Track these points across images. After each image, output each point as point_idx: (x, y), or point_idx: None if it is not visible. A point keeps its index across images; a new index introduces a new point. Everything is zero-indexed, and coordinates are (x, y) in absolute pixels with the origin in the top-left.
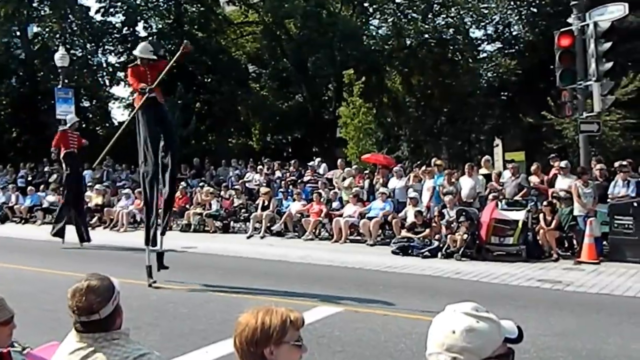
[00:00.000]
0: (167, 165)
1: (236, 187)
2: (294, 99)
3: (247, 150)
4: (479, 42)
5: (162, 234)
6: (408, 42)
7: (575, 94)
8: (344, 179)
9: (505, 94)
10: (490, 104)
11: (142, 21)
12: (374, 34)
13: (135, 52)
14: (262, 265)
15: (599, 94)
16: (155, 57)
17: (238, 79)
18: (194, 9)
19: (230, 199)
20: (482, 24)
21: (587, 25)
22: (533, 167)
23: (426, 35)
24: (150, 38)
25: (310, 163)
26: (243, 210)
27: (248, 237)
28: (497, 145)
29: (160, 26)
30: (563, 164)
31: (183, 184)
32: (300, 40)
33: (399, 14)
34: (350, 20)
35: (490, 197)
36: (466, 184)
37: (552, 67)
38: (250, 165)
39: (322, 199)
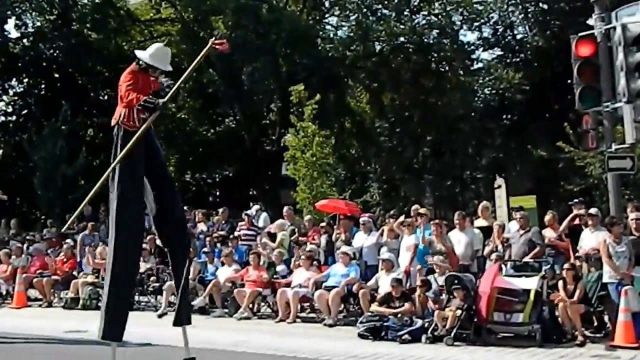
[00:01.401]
0: (169, 210)
1: (143, 245)
2: (223, 123)
3: None
4: (473, 48)
5: (184, 320)
6: (377, 48)
7: (601, 118)
8: (269, 234)
9: (508, 117)
10: (489, 131)
11: (14, 17)
12: (332, 36)
13: (145, 55)
14: (177, 357)
15: (632, 120)
16: (170, 70)
17: None
18: (85, 1)
19: None
20: (476, 24)
21: (613, 28)
22: (548, 217)
23: (402, 39)
24: (30, 38)
25: (246, 212)
26: (152, 279)
27: (160, 316)
28: (499, 187)
29: (39, 24)
30: (591, 211)
31: (69, 241)
32: (231, 44)
33: (364, 9)
34: (299, 17)
35: (491, 258)
36: (458, 240)
37: (569, 81)
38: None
39: (262, 262)
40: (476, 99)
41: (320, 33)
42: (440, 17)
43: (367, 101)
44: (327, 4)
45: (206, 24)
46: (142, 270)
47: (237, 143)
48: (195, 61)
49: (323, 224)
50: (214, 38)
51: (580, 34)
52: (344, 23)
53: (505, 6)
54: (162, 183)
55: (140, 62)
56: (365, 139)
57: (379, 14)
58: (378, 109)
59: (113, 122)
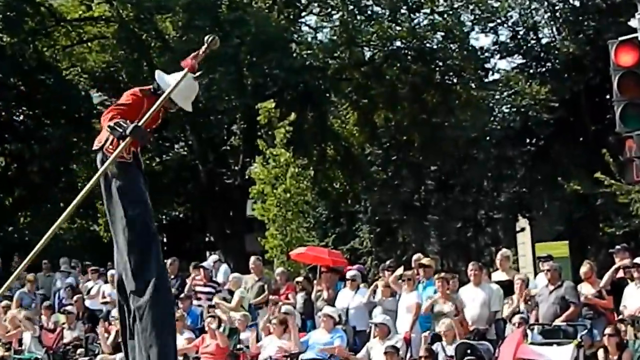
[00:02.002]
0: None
1: (69, 307)
2: (171, 150)
3: (90, 240)
4: (487, 55)
5: None
6: (367, 54)
7: None
8: (230, 292)
9: (533, 142)
10: (509, 160)
11: None
12: (310, 39)
13: (170, 85)
14: None
15: None
16: (190, 111)
17: (73, 115)
18: None
19: (57, 329)
20: (491, 25)
21: None
22: (584, 269)
23: (398, 43)
24: None
25: (202, 263)
26: (80, 351)
27: None
28: (523, 231)
29: None
30: (637, 261)
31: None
32: (182, 49)
33: (350, 6)
34: (269, 16)
35: (513, 321)
36: (472, 298)
37: (608, 97)
38: (93, 269)
39: (222, 328)
40: (492, 119)
41: (296, 36)
42: (446, 16)
43: (354, 122)
44: (303, 0)
45: (150, 24)
46: (67, 339)
47: (189, 175)
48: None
49: (299, 279)
50: (207, 43)
51: (621, 38)
52: (325, 23)
53: (528, 2)
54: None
55: (157, 88)
56: (352, 169)
57: (369, 12)
58: (369, 132)
59: (95, 145)
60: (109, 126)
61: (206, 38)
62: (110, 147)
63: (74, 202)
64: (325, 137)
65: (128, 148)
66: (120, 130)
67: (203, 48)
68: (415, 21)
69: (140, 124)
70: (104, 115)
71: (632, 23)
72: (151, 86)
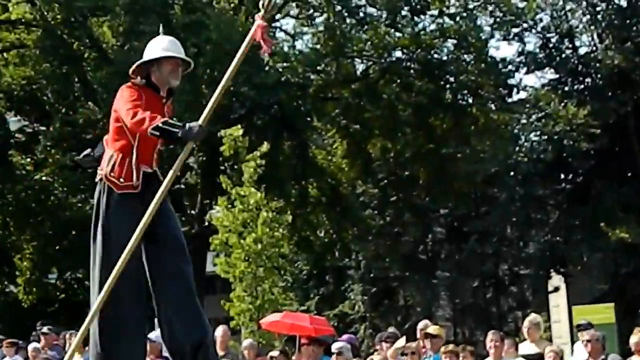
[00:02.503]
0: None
1: None
2: None
3: (5, 306)
4: (510, 68)
5: None
6: (359, 67)
7: None
8: None
9: (569, 177)
10: (539, 200)
11: None
12: (287, 49)
13: (156, 50)
14: None
15: None
16: (189, 61)
17: None
18: None
19: None
20: (516, 30)
21: None
22: (635, 339)
23: (398, 53)
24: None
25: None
26: None
27: None
28: (557, 290)
29: None
30: None
31: None
32: (125, 62)
33: (338, 7)
34: (234, 20)
35: None
36: None
37: None
38: (9, 342)
39: None
40: (517, 149)
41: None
42: (458, 19)
43: (343, 153)
44: None
45: (83, 29)
46: None
47: None
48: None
49: (274, 354)
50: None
51: None
52: (306, 29)
53: (561, 1)
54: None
55: (140, 78)
56: (341, 213)
57: (361, 15)
58: (361, 166)
59: (98, 175)
60: (156, 128)
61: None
62: (115, 172)
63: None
64: (306, 173)
65: (138, 171)
66: (177, 130)
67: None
68: (420, 25)
69: (204, 121)
70: (131, 118)
71: None
72: (133, 84)
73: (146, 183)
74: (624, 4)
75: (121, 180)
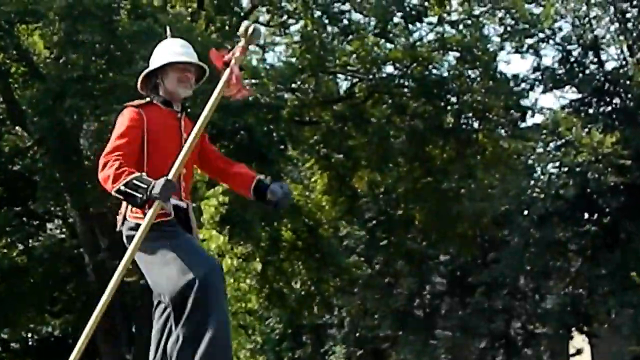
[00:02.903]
0: None
1: None
2: (42, 231)
3: None
4: (524, 86)
5: None
6: (343, 85)
7: None
8: None
9: (595, 217)
10: (558, 245)
11: None
12: (256, 63)
13: (160, 56)
14: None
15: None
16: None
17: None
18: None
19: None
20: (530, 41)
21: None
22: None
23: (389, 68)
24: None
25: None
26: None
27: None
28: (579, 353)
29: None
30: None
31: None
32: (60, 78)
33: (317, 11)
34: (192, 28)
35: None
36: None
37: None
38: None
39: None
40: (532, 183)
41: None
42: (462, 27)
43: (323, 188)
44: (244, 0)
45: (10, 38)
46: None
47: (69, 271)
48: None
49: None
50: (246, 33)
51: None
52: (278, 38)
53: (585, 7)
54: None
55: (149, 93)
56: (321, 260)
57: (345, 22)
58: (345, 203)
59: (119, 222)
60: (117, 191)
61: (242, 26)
62: (134, 211)
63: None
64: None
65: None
66: (140, 194)
67: (240, 44)
68: (416, 35)
69: (171, 176)
70: (100, 170)
71: None
72: (145, 98)
73: (173, 225)
74: None
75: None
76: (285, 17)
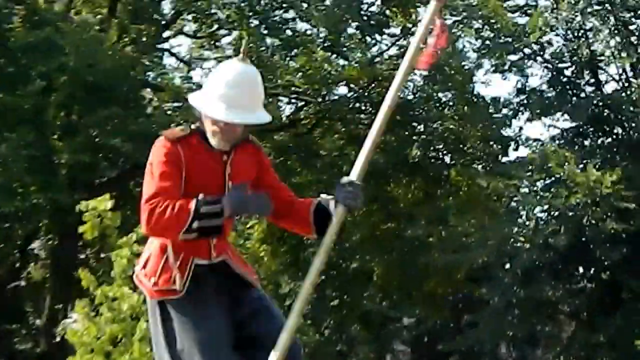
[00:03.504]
0: None
1: None
2: None
3: None
4: (507, 112)
5: None
6: (286, 110)
7: None
8: None
9: (591, 273)
10: (547, 305)
11: None
12: (180, 80)
13: (207, 92)
14: None
15: None
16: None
17: None
18: None
19: None
20: (513, 58)
21: None
22: None
23: (342, 89)
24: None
25: None
26: None
27: None
28: None
29: None
30: None
31: None
32: None
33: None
34: (102, 40)
35: None
36: None
37: None
38: None
39: None
40: (516, 230)
41: (152, 74)
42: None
43: (261, 236)
44: (166, 6)
45: None
46: None
47: None
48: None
49: None
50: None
51: None
52: (208, 53)
53: (579, 16)
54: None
55: (195, 122)
56: None
57: (288, 33)
58: (288, 255)
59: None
60: (187, 232)
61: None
62: (143, 271)
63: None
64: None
65: (183, 269)
66: (217, 205)
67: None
68: (375, 49)
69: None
70: (147, 221)
71: None
72: (187, 126)
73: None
74: None
75: (152, 280)
76: (215, 26)
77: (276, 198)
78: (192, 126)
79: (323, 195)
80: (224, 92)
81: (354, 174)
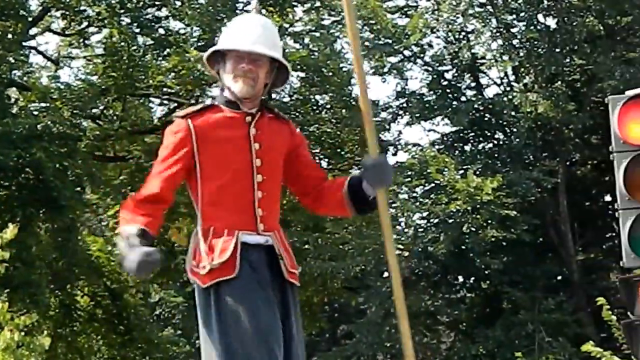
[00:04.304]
0: None
1: None
2: None
3: None
4: (385, 116)
5: None
6: (158, 112)
7: None
8: None
9: (471, 282)
10: (426, 315)
11: None
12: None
13: (225, 38)
14: None
15: None
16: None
17: None
18: None
19: None
20: (392, 60)
21: None
22: None
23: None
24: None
25: None
26: None
27: None
28: None
29: None
30: None
31: None
32: None
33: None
34: None
35: None
36: None
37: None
38: None
39: None
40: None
41: (19, 73)
42: (308, 41)
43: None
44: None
45: None
46: None
47: None
48: None
49: None
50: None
51: (630, 93)
52: (77, 51)
53: (461, 19)
54: None
55: (214, 94)
56: (126, 332)
57: (161, 32)
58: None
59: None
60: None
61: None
62: (194, 262)
63: None
64: (73, 271)
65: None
66: (124, 251)
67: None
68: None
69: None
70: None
71: None
72: (203, 102)
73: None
74: (552, 24)
75: (197, 272)
76: (85, 24)
77: (311, 178)
78: (208, 102)
79: (355, 173)
80: (244, 31)
81: (372, 151)
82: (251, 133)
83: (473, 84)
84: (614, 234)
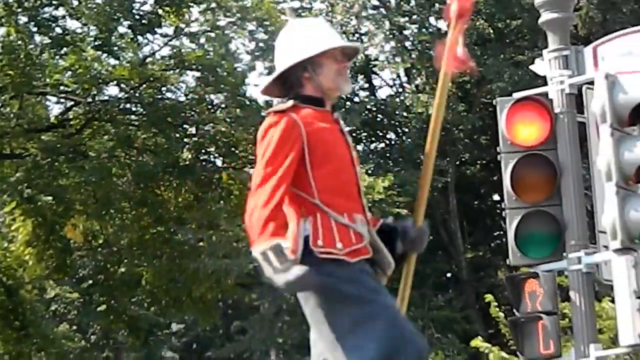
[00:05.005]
0: None
1: None
2: None
3: None
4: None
5: None
6: (54, 110)
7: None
8: None
9: None
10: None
11: None
12: None
13: (307, 44)
14: None
15: (633, 293)
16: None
17: None
18: None
19: None
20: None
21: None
22: None
23: (113, 89)
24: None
25: None
26: None
27: None
28: None
29: None
30: None
31: None
32: None
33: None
34: None
35: None
36: None
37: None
38: None
39: None
40: None
41: None
42: (204, 41)
43: (26, 238)
44: None
45: None
46: None
47: None
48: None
49: None
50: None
51: (518, 95)
52: None
53: (354, 20)
54: None
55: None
56: (21, 329)
57: (58, 31)
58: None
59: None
60: (259, 252)
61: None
62: (320, 242)
63: None
64: None
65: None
66: (275, 268)
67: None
68: (147, 49)
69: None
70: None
71: (537, 67)
72: (280, 100)
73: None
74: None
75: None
76: None
77: None
78: (291, 101)
79: (387, 221)
80: (328, 33)
81: (420, 219)
82: (343, 127)
83: (366, 85)
84: (501, 233)
